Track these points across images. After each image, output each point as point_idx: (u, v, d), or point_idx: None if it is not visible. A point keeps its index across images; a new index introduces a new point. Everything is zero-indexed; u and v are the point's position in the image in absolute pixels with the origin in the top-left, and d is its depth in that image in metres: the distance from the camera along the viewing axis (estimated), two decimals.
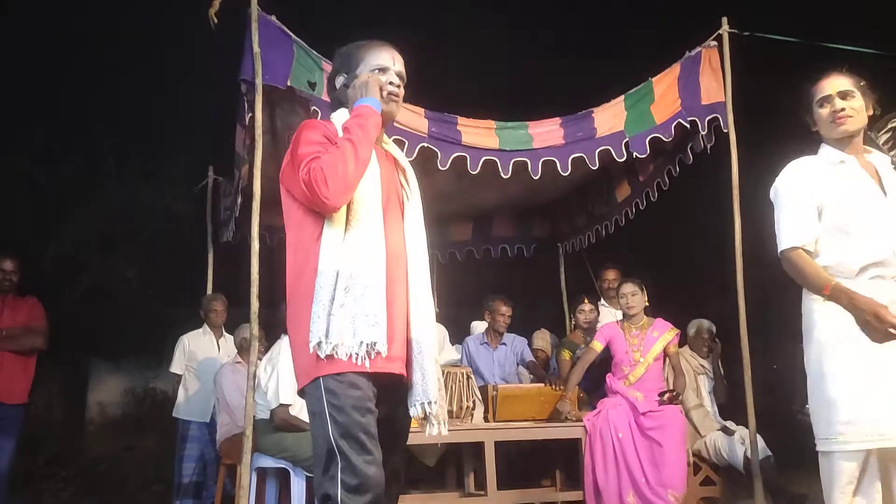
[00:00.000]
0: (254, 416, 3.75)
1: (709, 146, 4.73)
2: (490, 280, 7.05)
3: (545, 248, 6.76)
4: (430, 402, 2.03)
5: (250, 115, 3.91)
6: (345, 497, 1.85)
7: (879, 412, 2.30)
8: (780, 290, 2.92)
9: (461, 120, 4.39)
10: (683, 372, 4.99)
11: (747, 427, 4.40)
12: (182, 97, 9.42)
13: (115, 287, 9.06)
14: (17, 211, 8.52)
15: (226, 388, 4.75)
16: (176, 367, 5.51)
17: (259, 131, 3.84)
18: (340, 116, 2.15)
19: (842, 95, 2.52)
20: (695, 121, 4.57)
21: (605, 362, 4.95)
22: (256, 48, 3.85)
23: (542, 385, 4.90)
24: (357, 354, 1.91)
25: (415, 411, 2.05)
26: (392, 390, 2.03)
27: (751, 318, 4.38)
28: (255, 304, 3.67)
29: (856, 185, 2.49)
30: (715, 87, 4.60)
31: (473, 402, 4.60)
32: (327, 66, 3.93)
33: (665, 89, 4.63)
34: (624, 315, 4.95)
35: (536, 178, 4.46)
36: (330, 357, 1.91)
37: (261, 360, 4.34)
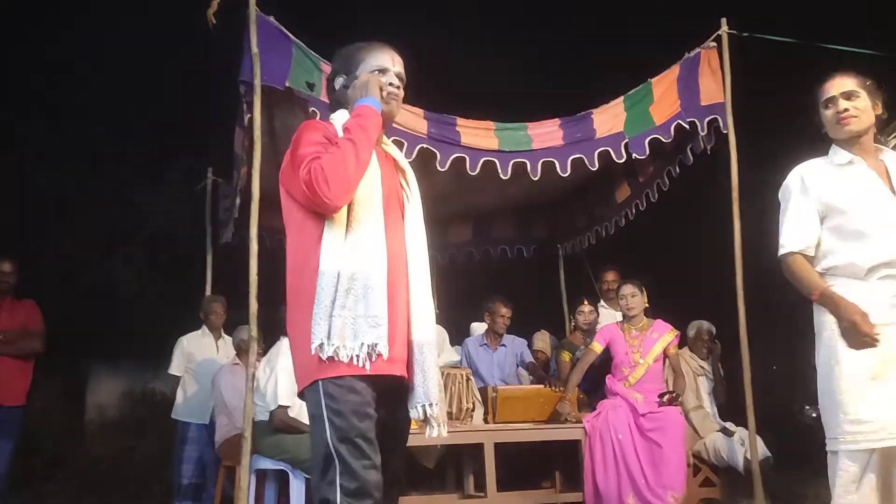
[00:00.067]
0: (253, 418, 3.74)
1: (708, 147, 4.73)
2: (489, 281, 7.04)
3: (545, 249, 6.76)
4: (431, 404, 2.02)
5: (249, 116, 3.90)
6: (344, 502, 1.84)
7: (887, 412, 2.32)
8: (780, 290, 2.92)
9: (460, 121, 4.39)
10: (683, 373, 4.99)
11: (747, 428, 4.40)
12: (181, 98, 9.42)
13: (114, 288, 9.06)
14: (16, 212, 8.51)
15: (224, 389, 4.74)
16: (175, 369, 5.49)
17: (258, 132, 3.83)
18: (340, 117, 2.14)
19: (846, 96, 2.53)
20: (694, 122, 4.57)
21: (604, 364, 4.94)
22: (255, 49, 3.85)
23: (541, 386, 4.90)
24: (358, 356, 1.90)
25: (416, 413, 2.04)
26: (392, 392, 2.02)
27: (750, 319, 4.38)
28: (253, 306, 3.66)
29: (864, 186, 2.50)
30: (714, 88, 4.59)
31: (473, 403, 4.60)
32: (326, 67, 3.92)
33: (664, 90, 4.62)
34: (624, 316, 4.95)
35: (536, 179, 4.46)
36: (330, 360, 1.90)
37: (259, 361, 4.33)
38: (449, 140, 4.31)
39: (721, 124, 4.57)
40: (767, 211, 2.68)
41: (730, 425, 4.86)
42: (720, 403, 5.20)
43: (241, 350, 4.80)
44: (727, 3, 4.69)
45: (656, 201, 5.29)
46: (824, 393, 2.47)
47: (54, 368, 7.69)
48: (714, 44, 4.62)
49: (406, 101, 2.27)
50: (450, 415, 4.38)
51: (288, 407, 4.15)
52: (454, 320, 6.06)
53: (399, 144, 4.02)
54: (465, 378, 4.59)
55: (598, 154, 4.50)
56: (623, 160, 4.59)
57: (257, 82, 3.82)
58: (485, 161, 4.38)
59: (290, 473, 4.13)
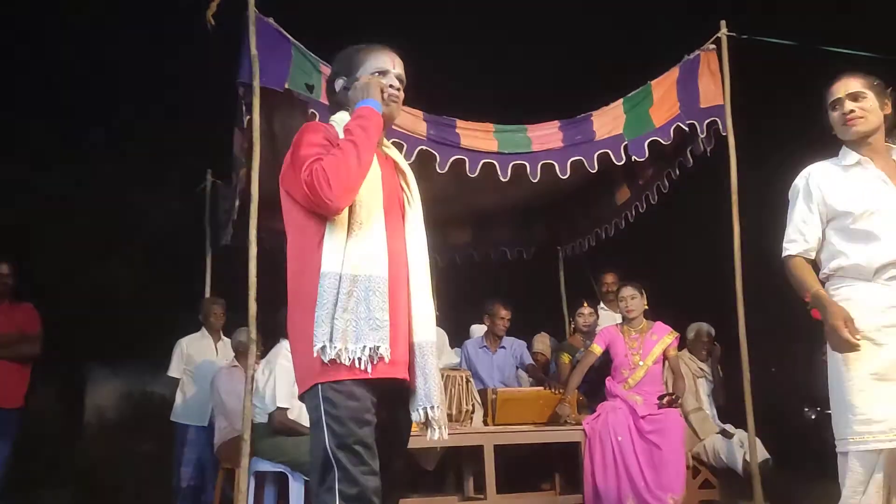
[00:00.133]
0: (252, 420, 3.73)
1: (708, 149, 4.73)
2: (489, 283, 7.04)
3: (545, 251, 6.75)
4: (432, 407, 2.01)
5: (248, 117, 3.90)
6: None
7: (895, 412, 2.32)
8: (779, 292, 2.93)
9: (460, 123, 4.39)
10: (683, 375, 4.99)
11: (746, 430, 4.40)
12: (181, 100, 9.41)
13: (112, 290, 9.05)
14: (15, 212, 8.50)
15: (223, 391, 4.74)
16: (174, 371, 5.49)
17: (257, 134, 3.83)
18: (341, 119, 2.13)
19: (852, 97, 2.53)
20: (694, 124, 4.58)
21: (604, 366, 4.94)
22: (254, 50, 3.84)
23: (541, 388, 4.90)
24: (360, 359, 1.89)
25: (417, 416, 2.03)
26: (393, 395, 2.01)
27: (750, 321, 4.38)
28: (252, 308, 3.66)
29: (871, 187, 2.50)
30: (714, 90, 4.60)
31: (473, 405, 4.60)
32: (325, 69, 3.92)
33: (664, 92, 4.63)
34: (623, 318, 4.95)
35: (535, 181, 4.46)
36: (332, 363, 1.89)
37: (259, 363, 4.32)
38: (448, 142, 4.31)
39: (720, 127, 4.57)
40: (767, 213, 2.69)
41: (729, 427, 4.86)
42: (720, 405, 5.19)
43: (240, 352, 4.79)
44: (726, 5, 4.70)
45: (656, 203, 5.29)
46: (834, 394, 2.47)
47: (53, 370, 7.67)
48: (713, 46, 4.63)
49: (405, 102, 2.27)
50: (449, 417, 4.37)
51: (287, 409, 4.14)
52: (454, 322, 6.06)
53: (398, 146, 4.01)
54: (464, 380, 4.59)
55: (598, 156, 4.50)
56: (623, 162, 4.59)
57: (256, 84, 3.82)
58: (484, 163, 4.38)
59: (289, 476, 4.12)
